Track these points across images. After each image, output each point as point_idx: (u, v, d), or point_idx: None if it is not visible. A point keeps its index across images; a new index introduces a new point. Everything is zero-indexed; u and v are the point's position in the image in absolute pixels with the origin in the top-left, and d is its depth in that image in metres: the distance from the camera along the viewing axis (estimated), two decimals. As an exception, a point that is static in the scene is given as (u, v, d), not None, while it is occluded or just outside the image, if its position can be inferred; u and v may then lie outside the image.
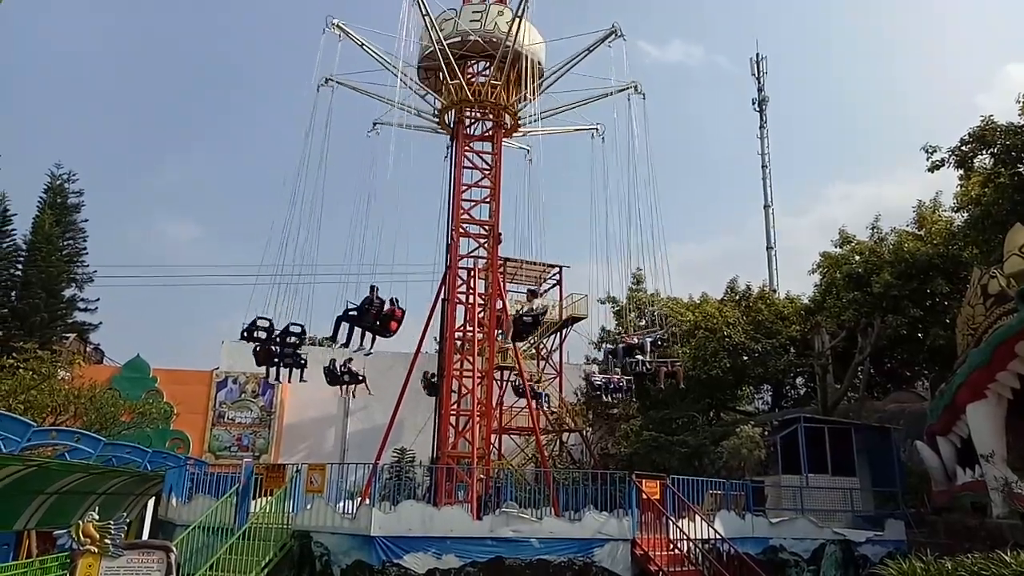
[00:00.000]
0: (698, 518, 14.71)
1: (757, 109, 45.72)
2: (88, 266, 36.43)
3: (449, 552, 12.93)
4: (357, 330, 16.48)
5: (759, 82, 46.12)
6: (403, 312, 16.53)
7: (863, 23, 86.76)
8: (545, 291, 32.02)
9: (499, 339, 20.45)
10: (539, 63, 21.18)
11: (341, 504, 14.79)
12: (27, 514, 14.31)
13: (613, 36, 20.27)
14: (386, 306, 16.29)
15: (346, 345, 16.62)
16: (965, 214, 21.11)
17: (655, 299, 27.44)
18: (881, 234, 25.07)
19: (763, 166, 44.50)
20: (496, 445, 24.16)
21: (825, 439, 19.59)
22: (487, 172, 21.00)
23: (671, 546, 14.28)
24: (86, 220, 36.99)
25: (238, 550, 12.69)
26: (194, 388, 29.01)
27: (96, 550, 9.29)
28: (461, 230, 20.38)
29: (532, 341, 30.21)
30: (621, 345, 21.14)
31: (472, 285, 20.36)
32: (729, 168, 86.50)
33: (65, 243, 35.69)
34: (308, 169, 18.54)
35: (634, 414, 27.03)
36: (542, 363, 30.28)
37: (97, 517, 9.54)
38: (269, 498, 14.11)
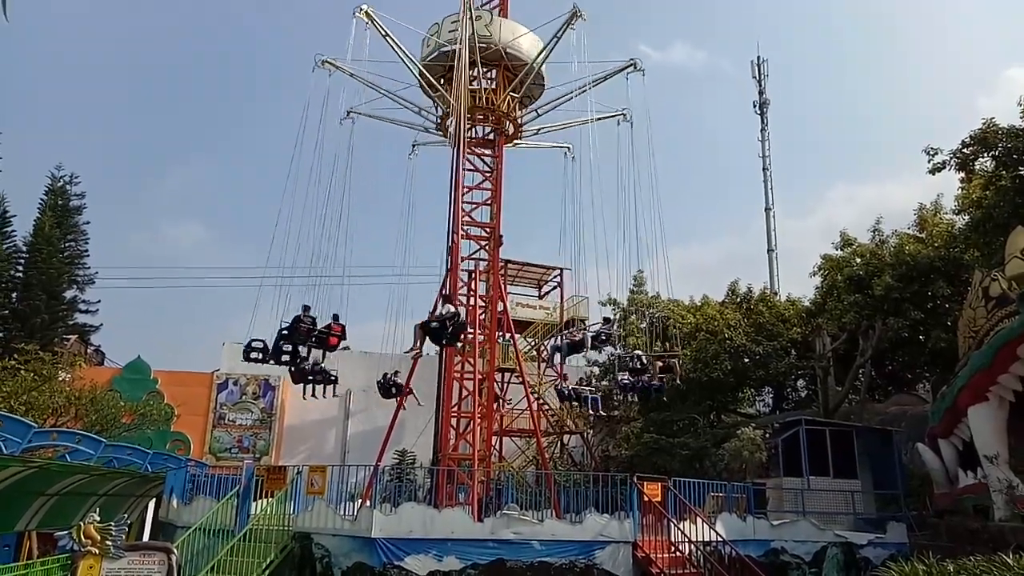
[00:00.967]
0: (699, 520, 14.70)
1: (758, 112, 45.78)
2: (89, 268, 36.49)
3: (450, 554, 12.93)
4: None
5: (760, 85, 46.18)
6: (342, 327, 16.59)
7: (865, 25, 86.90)
8: (546, 293, 32.03)
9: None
10: (543, 75, 21.17)
11: (342, 506, 14.77)
12: (28, 515, 14.32)
13: (632, 69, 20.33)
14: (328, 323, 16.45)
15: (290, 363, 16.67)
16: (966, 216, 21.10)
17: (656, 301, 27.42)
18: (882, 236, 25.06)
19: (764, 169, 44.56)
20: (497, 447, 24.13)
21: (826, 441, 19.56)
22: (488, 175, 21.02)
23: (672, 548, 14.27)
24: (88, 222, 37.06)
25: (239, 552, 12.70)
26: (195, 390, 29.01)
27: (97, 551, 9.29)
28: (462, 232, 20.39)
29: (533, 343, 30.21)
30: (565, 341, 21.06)
31: (473, 287, 20.37)
32: (731, 171, 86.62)
33: (66, 245, 35.71)
34: (311, 174, 18.38)
35: (635, 416, 26.98)
36: (543, 365, 30.24)
37: (98, 518, 9.54)
38: (270, 500, 14.11)
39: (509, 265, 28.55)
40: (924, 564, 10.60)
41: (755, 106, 46.00)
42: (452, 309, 15.92)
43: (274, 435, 29.56)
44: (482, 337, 20.10)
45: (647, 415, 25.88)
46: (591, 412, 20.91)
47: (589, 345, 20.40)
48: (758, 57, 46.61)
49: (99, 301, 36.42)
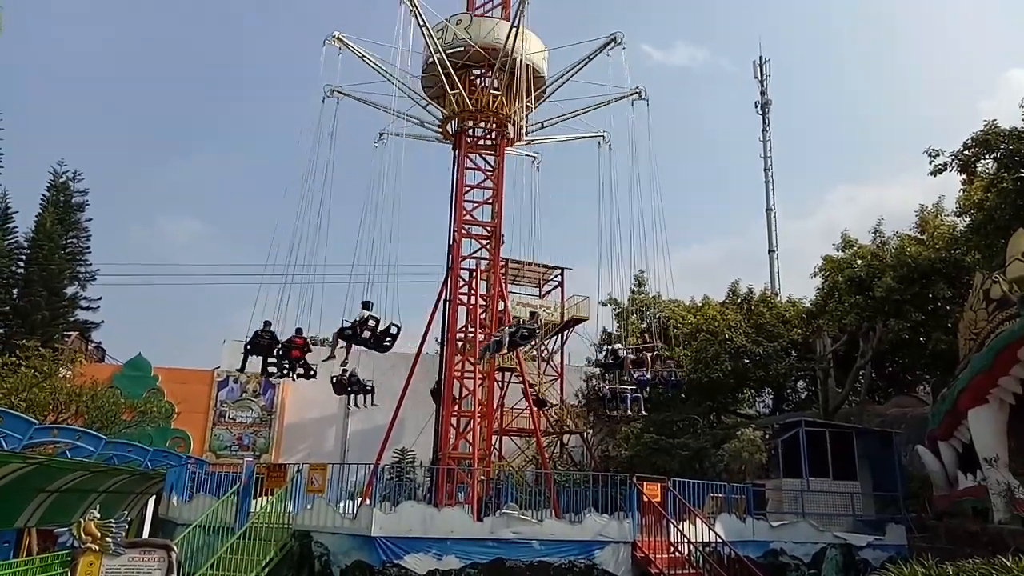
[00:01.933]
0: (699, 521, 14.71)
1: (760, 112, 45.76)
2: (90, 264, 36.46)
3: (450, 553, 12.94)
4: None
5: (762, 85, 46.17)
6: (304, 340, 16.89)
7: (866, 27, 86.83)
8: (547, 292, 32.03)
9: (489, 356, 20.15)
10: (540, 72, 21.16)
11: (342, 504, 14.78)
12: (28, 512, 14.32)
13: (613, 44, 20.27)
14: (291, 337, 16.74)
15: (267, 374, 17.09)
16: (968, 218, 21.10)
17: (657, 301, 27.43)
18: (883, 238, 25.07)
19: (765, 169, 44.58)
20: (497, 446, 24.15)
21: (826, 443, 19.55)
22: (489, 174, 21.04)
23: (672, 549, 14.28)
24: (90, 219, 37.03)
25: (239, 549, 12.71)
26: (195, 387, 29.02)
27: (97, 548, 9.30)
28: (463, 231, 20.39)
29: (534, 343, 30.22)
30: (494, 339, 20.56)
31: (474, 286, 20.38)
32: (733, 171, 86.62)
33: (68, 241, 35.69)
34: (313, 177, 18.61)
35: (635, 417, 27.00)
36: (543, 365, 30.25)
37: (99, 515, 9.55)
38: (270, 498, 14.12)
39: (510, 264, 28.55)
40: (923, 566, 10.60)
41: (756, 106, 46.01)
42: (366, 314, 16.15)
43: (274, 433, 29.58)
44: (482, 336, 20.10)
45: (647, 415, 25.88)
46: (629, 413, 20.64)
47: (507, 344, 20.07)
48: (760, 57, 46.65)
49: (100, 298, 36.45)
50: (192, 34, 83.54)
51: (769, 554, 15.66)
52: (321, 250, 18.09)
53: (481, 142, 21.19)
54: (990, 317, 15.55)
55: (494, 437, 22.49)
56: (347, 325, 16.15)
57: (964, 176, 20.66)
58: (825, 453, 19.40)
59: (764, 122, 45.39)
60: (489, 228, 20.78)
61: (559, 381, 29.71)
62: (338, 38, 20.09)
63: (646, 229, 19.82)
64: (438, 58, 19.81)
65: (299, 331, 16.96)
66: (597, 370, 28.97)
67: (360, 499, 16.58)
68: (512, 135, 21.37)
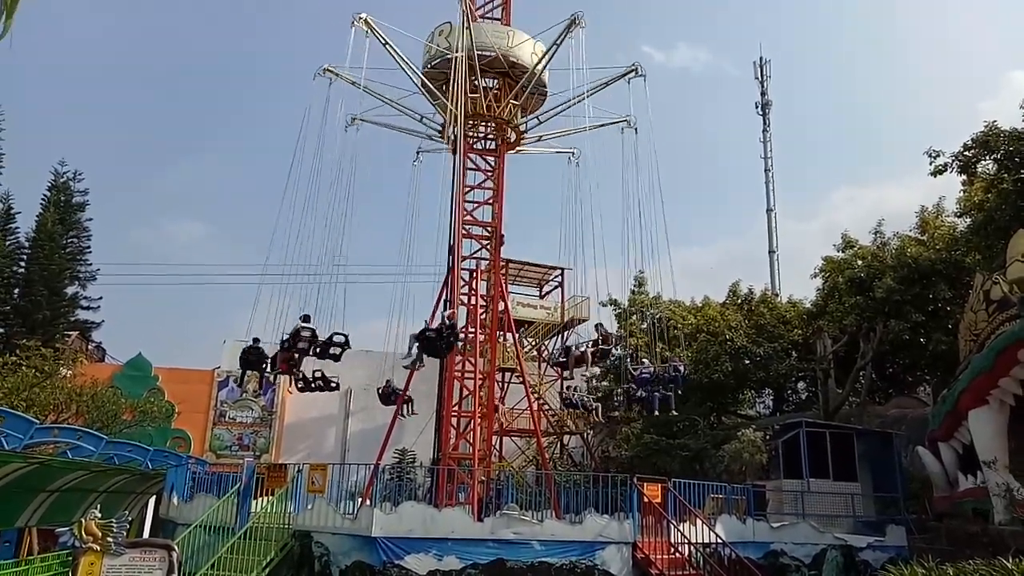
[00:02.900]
0: (699, 522, 14.71)
1: (760, 112, 45.78)
2: (91, 264, 36.51)
3: (450, 553, 12.94)
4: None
5: (762, 86, 46.18)
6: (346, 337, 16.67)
7: (867, 28, 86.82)
8: (547, 293, 32.05)
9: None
10: (545, 83, 21.12)
11: (342, 505, 14.79)
12: (29, 511, 14.34)
13: (574, 25, 19.99)
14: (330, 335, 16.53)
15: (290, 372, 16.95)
16: (968, 219, 21.11)
17: (657, 302, 27.42)
18: (884, 239, 25.05)
19: (766, 170, 44.60)
20: (497, 447, 24.15)
21: (827, 444, 19.56)
22: (489, 174, 21.04)
23: (672, 550, 14.28)
24: (90, 219, 37.08)
25: (239, 550, 12.71)
26: (195, 387, 29.05)
27: (98, 548, 9.31)
28: (463, 231, 20.40)
29: (534, 343, 30.25)
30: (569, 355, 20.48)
31: (474, 287, 20.38)
32: (733, 172, 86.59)
33: (68, 241, 35.75)
34: (307, 164, 18.34)
35: (635, 417, 27.02)
36: (543, 365, 30.28)
37: (99, 515, 9.56)
38: (270, 498, 14.13)
39: (510, 265, 28.56)
40: (923, 567, 10.61)
41: (757, 107, 46.03)
42: (449, 321, 15.84)
43: (274, 433, 29.60)
44: (482, 337, 20.12)
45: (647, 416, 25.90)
46: (597, 419, 20.78)
47: (590, 362, 20.06)
48: (760, 58, 46.66)
49: (100, 298, 36.51)
50: (196, 34, 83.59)
51: (769, 555, 15.67)
52: (321, 251, 17.91)
53: (481, 145, 21.17)
54: (990, 318, 15.55)
55: (494, 437, 22.48)
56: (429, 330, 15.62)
57: (964, 177, 20.66)
58: (825, 454, 19.41)
59: (765, 123, 45.45)
60: (489, 228, 20.79)
61: (559, 381, 29.72)
62: (365, 20, 19.60)
63: (646, 230, 19.72)
64: (413, 74, 19.78)
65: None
66: (597, 370, 28.99)
67: (360, 499, 16.59)
68: (513, 141, 21.36)
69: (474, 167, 20.99)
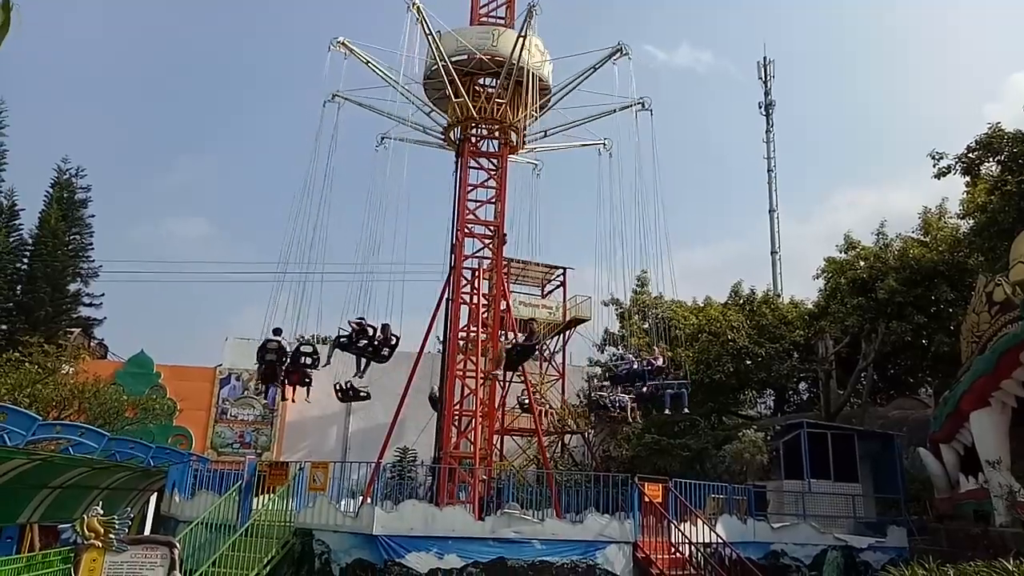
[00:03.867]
0: (700, 522, 14.71)
1: (764, 113, 45.68)
2: (93, 261, 36.55)
3: (451, 552, 12.96)
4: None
5: (766, 86, 46.07)
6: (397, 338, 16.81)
7: (871, 30, 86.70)
8: (549, 292, 32.04)
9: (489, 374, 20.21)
10: (545, 81, 21.13)
11: (343, 503, 14.82)
12: (31, 508, 14.37)
13: (618, 55, 20.20)
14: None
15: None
16: (971, 221, 21.08)
17: (659, 302, 27.41)
18: (886, 240, 25.02)
19: (769, 170, 44.46)
20: (498, 446, 24.15)
21: (828, 445, 19.54)
22: (492, 173, 21.05)
23: (673, 549, 14.29)
24: (93, 216, 37.11)
25: (240, 547, 12.74)
26: (197, 384, 29.08)
27: (100, 545, 9.33)
28: (466, 231, 20.41)
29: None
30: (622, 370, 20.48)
31: (476, 286, 20.39)
32: (736, 173, 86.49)
33: (71, 238, 35.78)
34: (316, 181, 18.66)
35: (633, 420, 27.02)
36: (545, 364, 30.28)
37: (101, 512, 9.59)
38: (272, 495, 14.15)
39: (512, 264, 28.56)
40: (924, 568, 10.62)
41: (760, 107, 45.88)
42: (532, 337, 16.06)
43: (276, 431, 29.63)
44: (484, 335, 20.12)
45: (648, 416, 25.91)
46: (633, 420, 20.53)
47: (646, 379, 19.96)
48: (764, 58, 46.54)
49: (103, 295, 36.55)
50: (197, 33, 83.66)
51: (770, 555, 15.68)
52: (325, 252, 18.07)
53: (484, 148, 21.18)
54: (993, 320, 15.53)
55: (495, 436, 22.49)
56: (343, 334, 15.83)
57: (968, 179, 20.64)
58: (827, 455, 19.40)
59: (768, 123, 45.32)
60: (492, 228, 20.79)
61: (561, 381, 29.74)
62: (343, 43, 20.01)
63: (648, 231, 19.73)
64: (443, 66, 19.74)
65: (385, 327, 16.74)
66: (598, 370, 29.00)
67: (362, 498, 16.61)
68: (516, 142, 21.37)
69: (476, 166, 21.01)
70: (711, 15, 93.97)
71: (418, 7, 19.30)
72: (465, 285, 20.38)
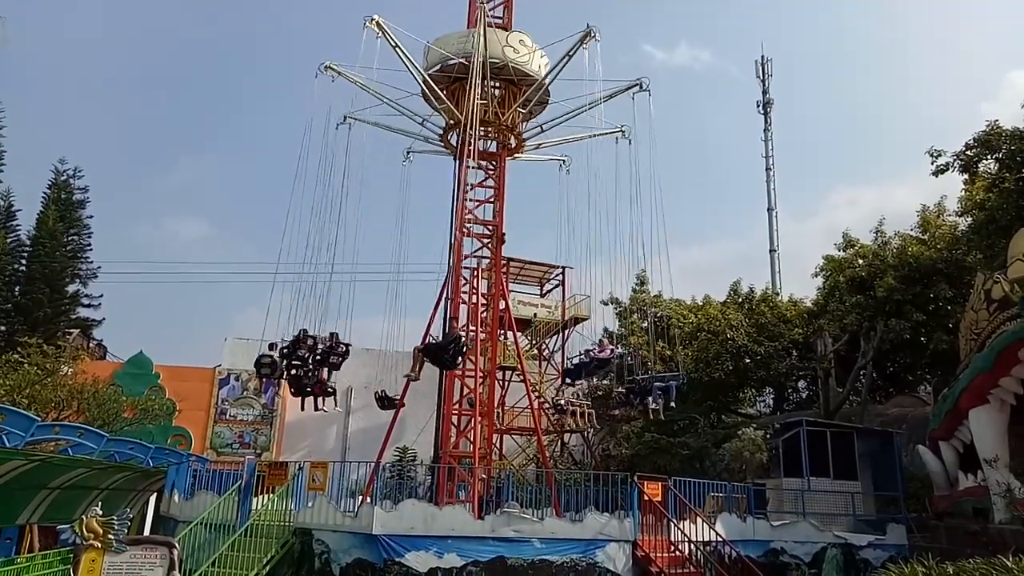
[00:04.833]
0: (699, 520, 14.72)
1: (762, 111, 45.72)
2: (92, 262, 36.48)
3: (451, 551, 12.96)
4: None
5: (764, 85, 46.13)
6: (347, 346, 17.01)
7: (869, 29, 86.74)
8: (548, 291, 32.05)
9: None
10: (534, 77, 21.08)
11: (343, 502, 14.81)
12: (30, 509, 14.36)
13: (588, 38, 20.00)
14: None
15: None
16: (969, 219, 21.11)
17: (658, 301, 27.43)
18: (885, 238, 25.06)
19: (767, 169, 44.52)
20: (497, 445, 24.15)
21: (827, 442, 19.57)
22: (491, 172, 21.05)
23: (672, 548, 14.30)
24: (91, 216, 37.04)
25: (240, 547, 12.74)
26: (196, 385, 29.03)
27: (100, 545, 9.32)
28: (464, 230, 20.40)
29: (535, 341, 30.24)
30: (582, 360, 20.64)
31: (475, 285, 20.39)
32: (735, 172, 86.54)
33: (69, 239, 35.73)
34: (316, 178, 18.53)
35: (636, 416, 27.04)
36: (544, 364, 30.29)
37: (100, 512, 9.57)
38: (271, 495, 14.14)
39: (511, 263, 28.55)
40: (923, 566, 10.62)
41: (759, 106, 45.93)
42: (453, 333, 16.18)
43: (275, 431, 29.60)
44: (483, 335, 20.13)
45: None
46: (590, 424, 20.81)
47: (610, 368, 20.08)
48: (762, 56, 46.57)
49: (101, 295, 36.47)
50: (197, 33, 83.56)
51: (769, 553, 15.69)
52: (325, 253, 18.01)
53: (482, 149, 21.14)
54: (991, 317, 15.56)
55: (495, 436, 22.49)
56: (433, 342, 16.43)
57: (966, 176, 20.67)
58: (826, 453, 19.43)
59: (766, 122, 45.37)
60: (490, 227, 20.79)
61: (560, 380, 29.73)
62: (330, 67, 19.87)
63: (646, 229, 19.70)
64: (421, 78, 19.74)
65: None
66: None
67: (361, 497, 16.61)
68: (513, 142, 21.35)
69: (475, 166, 21.00)
70: (710, 14, 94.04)
71: (377, 22, 19.24)
72: (464, 284, 20.38)
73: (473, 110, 18.37)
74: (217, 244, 77.05)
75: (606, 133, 21.61)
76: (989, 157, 19.77)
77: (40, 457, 12.91)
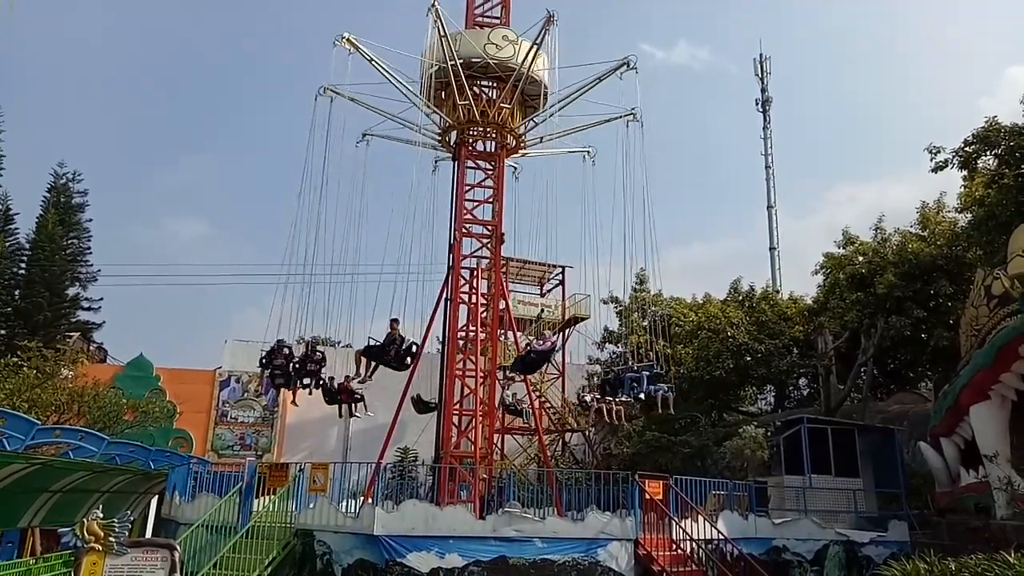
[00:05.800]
0: (701, 518, 14.71)
1: (760, 109, 45.73)
2: (91, 265, 36.52)
3: (452, 551, 12.94)
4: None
5: (762, 82, 46.13)
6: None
7: (867, 26, 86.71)
8: (549, 291, 32.05)
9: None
10: (545, 85, 21.10)
11: (344, 503, 14.81)
12: (31, 512, 14.33)
13: (625, 68, 20.13)
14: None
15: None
16: (969, 215, 21.09)
17: (658, 299, 27.41)
18: (885, 235, 25.04)
19: (767, 167, 44.53)
20: (499, 445, 24.14)
21: (828, 440, 19.56)
22: (490, 172, 21.04)
23: (674, 546, 14.28)
24: (90, 220, 37.10)
25: (241, 549, 12.72)
26: (197, 387, 29.05)
27: (101, 548, 9.31)
28: (464, 230, 20.40)
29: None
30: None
31: (475, 285, 20.38)
32: (734, 170, 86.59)
33: (69, 242, 35.76)
34: (314, 180, 18.61)
35: (637, 414, 27.03)
36: (545, 363, 30.22)
37: (102, 515, 9.56)
38: (272, 497, 14.13)
39: (511, 263, 28.54)
40: (925, 562, 10.62)
41: (757, 103, 45.96)
42: (393, 334, 16.50)
43: (276, 432, 29.61)
44: (483, 335, 20.11)
45: (649, 414, 25.92)
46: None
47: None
48: (760, 54, 46.57)
49: (101, 299, 36.53)
50: (196, 33, 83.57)
51: (771, 551, 15.66)
52: (326, 254, 18.11)
53: (481, 149, 21.13)
54: (992, 313, 15.54)
55: (496, 435, 22.48)
56: (374, 344, 16.60)
57: (965, 173, 20.65)
58: (827, 450, 19.42)
59: (765, 119, 45.38)
60: (490, 227, 20.78)
61: (560, 380, 29.73)
62: (348, 39, 19.78)
63: (642, 230, 19.69)
64: (452, 68, 19.66)
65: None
66: (598, 368, 29.00)
67: (362, 498, 16.61)
68: (513, 146, 21.34)
69: (474, 166, 21.00)
70: (709, 12, 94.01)
71: (437, 9, 19.22)
72: (464, 285, 20.37)
73: (467, 108, 18.39)
74: (217, 244, 77.19)
75: (616, 118, 21.24)
76: (988, 153, 19.75)
77: (41, 460, 12.88)
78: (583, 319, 30.46)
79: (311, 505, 13.96)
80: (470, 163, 20.81)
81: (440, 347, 22.06)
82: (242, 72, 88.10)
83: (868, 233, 25.59)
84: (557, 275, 31.38)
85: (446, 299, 20.15)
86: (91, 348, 34.06)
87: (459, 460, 18.79)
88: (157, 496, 19.39)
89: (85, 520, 9.50)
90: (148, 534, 18.92)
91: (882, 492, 19.41)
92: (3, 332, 32.33)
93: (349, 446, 30.46)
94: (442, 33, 19.48)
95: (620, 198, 19.60)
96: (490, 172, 21.01)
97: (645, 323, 26.68)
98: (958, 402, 15.88)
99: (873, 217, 29.34)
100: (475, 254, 20.72)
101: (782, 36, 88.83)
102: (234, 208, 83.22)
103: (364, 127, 21.51)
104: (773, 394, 31.89)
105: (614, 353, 28.83)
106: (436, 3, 19.16)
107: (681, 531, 14.46)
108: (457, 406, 19.38)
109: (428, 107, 20.73)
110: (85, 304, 36.04)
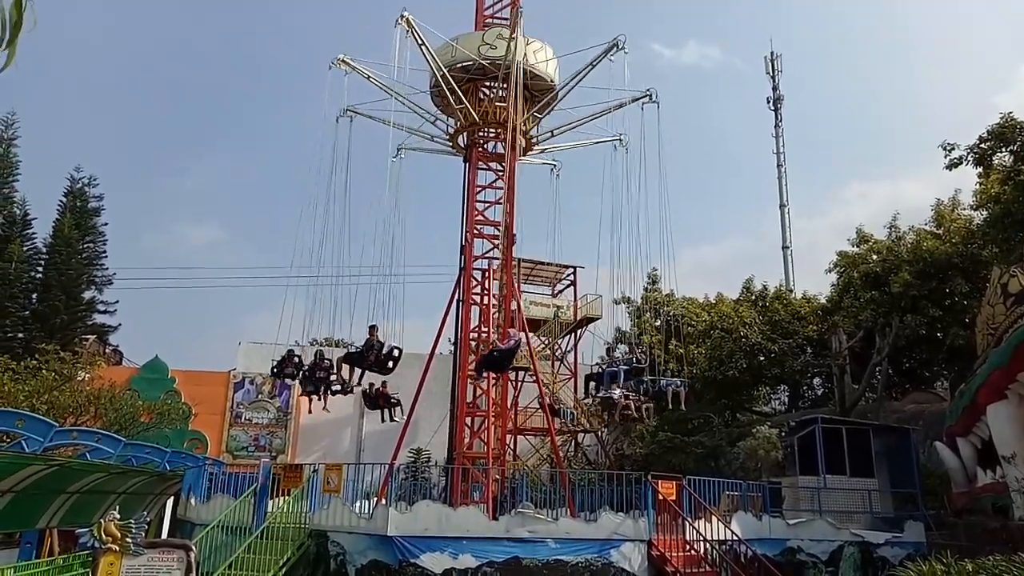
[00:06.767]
0: (715, 519, 14.65)
1: (772, 108, 45.55)
2: (107, 269, 36.90)
3: (465, 552, 12.96)
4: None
5: (774, 80, 45.96)
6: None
7: (879, 23, 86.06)
8: (560, 291, 32.02)
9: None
10: (549, 81, 21.12)
11: (357, 504, 14.87)
12: (49, 513, 14.50)
13: (615, 48, 20.12)
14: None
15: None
16: (984, 212, 20.90)
17: (670, 300, 27.34)
18: (899, 233, 24.86)
19: (778, 165, 44.36)
20: (511, 446, 24.17)
21: (843, 440, 19.43)
22: (501, 173, 21.07)
23: (688, 547, 14.23)
24: (106, 224, 37.49)
25: (256, 549, 12.80)
26: (212, 389, 29.22)
27: (118, 548, 9.41)
28: (475, 231, 20.44)
29: (547, 342, 30.24)
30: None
31: (486, 286, 20.41)
32: (746, 170, 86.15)
33: (85, 246, 36.16)
34: (328, 192, 18.89)
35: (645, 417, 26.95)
36: (557, 364, 30.25)
37: (118, 516, 9.67)
38: (286, 498, 14.22)
39: (522, 263, 28.55)
40: (942, 563, 10.53)
41: (769, 102, 45.81)
42: (372, 339, 16.74)
43: (290, 434, 29.75)
44: (495, 336, 20.12)
45: (662, 413, 25.85)
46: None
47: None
48: (772, 52, 46.39)
49: (117, 302, 36.92)
50: (207, 37, 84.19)
51: (786, 552, 15.58)
52: (336, 256, 18.30)
53: (492, 150, 21.19)
54: (1008, 312, 15.39)
55: (508, 436, 22.50)
56: (354, 350, 16.98)
57: (980, 170, 20.47)
58: (842, 450, 19.29)
59: (776, 118, 45.21)
60: (501, 228, 20.80)
61: (572, 380, 29.70)
62: (343, 60, 20.07)
63: (656, 229, 19.67)
64: (441, 75, 19.77)
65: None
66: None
67: (376, 499, 16.67)
68: (524, 145, 21.39)
69: (485, 167, 21.06)
70: (718, 12, 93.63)
71: (408, 19, 19.23)
72: (475, 286, 20.41)
73: (510, 113, 18.49)
74: (228, 248, 77.65)
75: (604, 141, 21.91)
76: (1004, 150, 19.57)
77: (58, 462, 13.03)
78: (595, 319, 30.41)
79: (325, 506, 14.02)
80: (482, 165, 20.87)
81: (453, 348, 22.14)
82: (252, 74, 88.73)
83: (882, 231, 25.45)
84: (569, 276, 31.35)
85: (458, 300, 20.20)
86: (107, 351, 34.38)
87: (472, 461, 18.82)
88: (173, 497, 19.56)
89: (102, 521, 9.60)
90: (164, 535, 19.10)
91: (897, 492, 19.26)
92: (21, 335, 32.71)
93: (363, 447, 30.58)
94: (419, 41, 19.51)
95: (635, 189, 19.62)
96: (501, 173, 21.05)
97: (658, 323, 26.63)
98: (975, 401, 15.72)
99: (886, 215, 29.20)
100: (487, 255, 20.77)
101: (793, 34, 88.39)
102: (245, 211, 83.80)
103: (364, 134, 21.68)
104: (787, 394, 31.72)
105: (612, 353, 28.75)
106: (405, 12, 19.18)
107: (695, 532, 14.41)
108: (469, 407, 19.43)
109: (432, 114, 20.85)
110: (101, 307, 36.46)
